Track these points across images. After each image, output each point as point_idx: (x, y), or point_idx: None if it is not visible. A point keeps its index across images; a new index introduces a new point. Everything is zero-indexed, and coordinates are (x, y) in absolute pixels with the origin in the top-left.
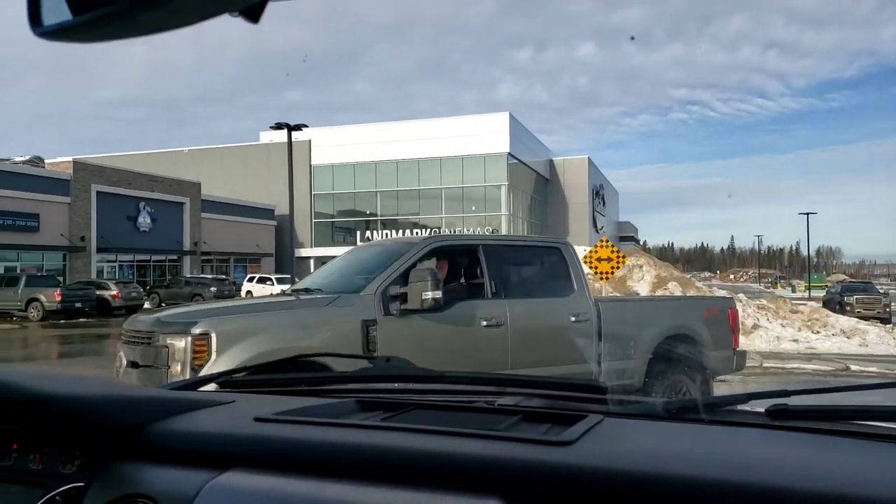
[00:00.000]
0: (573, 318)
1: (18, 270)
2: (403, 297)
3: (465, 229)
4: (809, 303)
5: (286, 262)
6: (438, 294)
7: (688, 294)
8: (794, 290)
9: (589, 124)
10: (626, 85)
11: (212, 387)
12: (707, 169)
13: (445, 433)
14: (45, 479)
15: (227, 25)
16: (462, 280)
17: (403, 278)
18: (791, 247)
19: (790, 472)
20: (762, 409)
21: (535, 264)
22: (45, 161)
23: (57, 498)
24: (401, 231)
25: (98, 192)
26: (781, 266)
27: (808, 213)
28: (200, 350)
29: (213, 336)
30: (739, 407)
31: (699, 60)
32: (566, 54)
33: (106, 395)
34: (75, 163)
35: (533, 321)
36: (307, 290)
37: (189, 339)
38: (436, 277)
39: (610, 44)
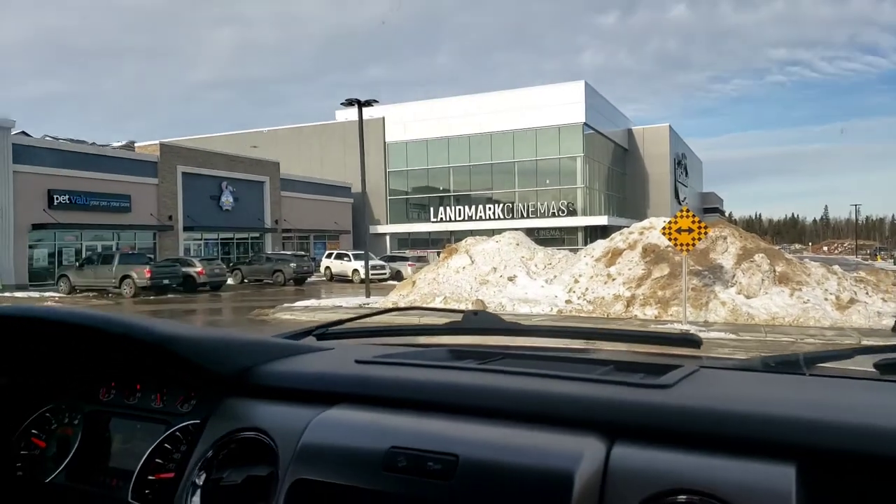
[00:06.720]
0: None
1: (114, 249)
2: None
3: (538, 203)
4: None
5: (363, 239)
6: None
7: (776, 267)
8: None
9: (676, 89)
10: (720, 47)
11: (309, 339)
12: (803, 135)
13: (542, 375)
14: (166, 416)
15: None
16: None
17: None
18: (893, 216)
19: None
20: (870, 366)
21: None
22: (135, 145)
23: (177, 433)
24: (474, 207)
25: (183, 173)
26: (882, 237)
27: None
28: None
29: None
30: (843, 364)
31: (803, 16)
32: (656, 16)
33: (219, 338)
34: (162, 145)
35: None
36: None
37: None
38: None
39: (704, 3)
